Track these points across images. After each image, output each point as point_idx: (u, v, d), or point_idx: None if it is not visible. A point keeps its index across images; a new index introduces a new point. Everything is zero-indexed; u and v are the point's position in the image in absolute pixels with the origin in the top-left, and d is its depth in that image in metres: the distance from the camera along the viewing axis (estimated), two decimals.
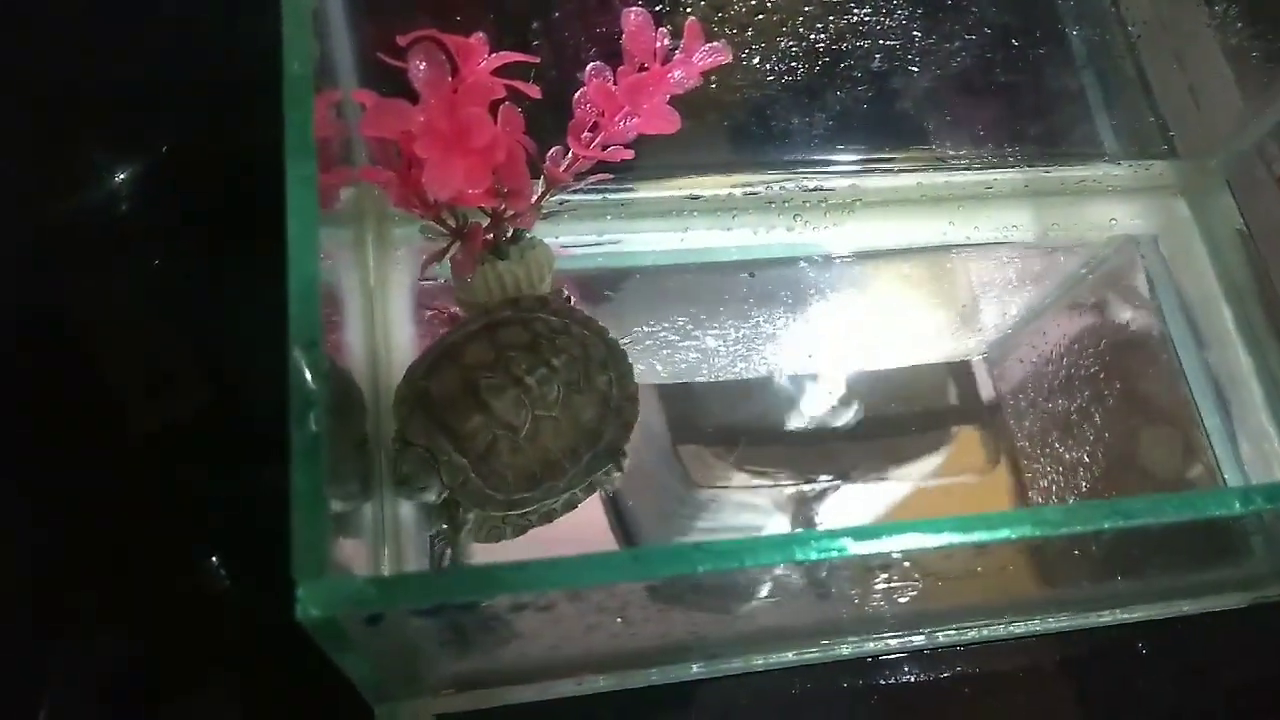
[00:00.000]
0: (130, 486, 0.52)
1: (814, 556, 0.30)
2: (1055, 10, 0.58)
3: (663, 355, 0.59)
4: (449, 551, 0.48)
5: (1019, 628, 0.54)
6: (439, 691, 0.46)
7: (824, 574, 0.39)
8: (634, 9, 0.41)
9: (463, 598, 0.25)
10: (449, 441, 0.44)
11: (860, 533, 0.30)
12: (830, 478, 0.57)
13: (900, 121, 0.60)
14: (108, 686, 0.48)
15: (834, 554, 0.29)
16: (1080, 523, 0.33)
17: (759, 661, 0.50)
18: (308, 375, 0.25)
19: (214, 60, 0.60)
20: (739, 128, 0.58)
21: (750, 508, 0.57)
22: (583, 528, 0.53)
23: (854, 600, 0.44)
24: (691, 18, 0.43)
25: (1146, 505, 0.35)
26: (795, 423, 0.59)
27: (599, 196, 0.59)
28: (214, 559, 0.50)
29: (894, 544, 0.32)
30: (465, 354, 0.46)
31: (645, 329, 0.59)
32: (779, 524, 0.56)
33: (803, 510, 0.57)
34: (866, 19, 0.50)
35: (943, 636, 0.54)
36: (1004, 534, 0.33)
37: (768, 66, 0.51)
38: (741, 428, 0.58)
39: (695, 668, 0.50)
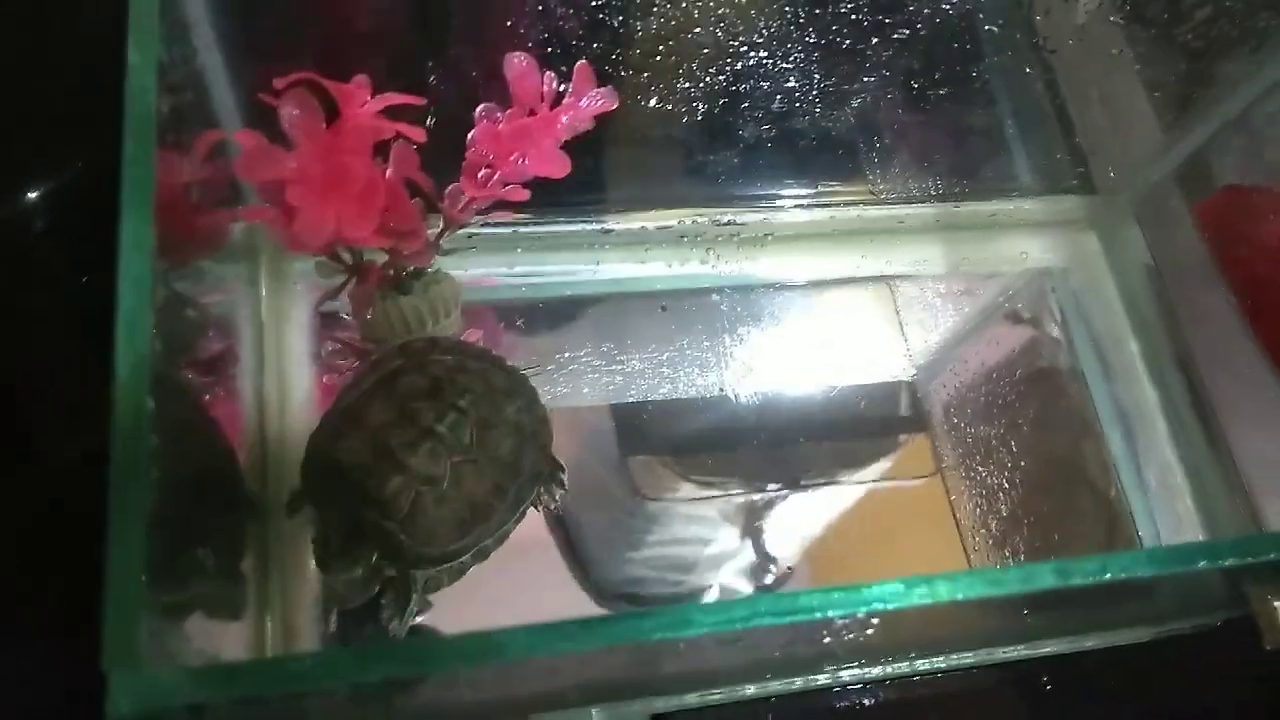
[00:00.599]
0: (47, 521, 0.49)
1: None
2: (969, 46, 0.58)
3: (589, 379, 0.59)
4: (395, 622, 0.45)
5: (922, 664, 0.55)
6: None
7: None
8: (518, 54, 0.41)
9: (306, 684, 0.24)
10: (372, 509, 0.43)
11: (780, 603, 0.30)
12: (777, 486, 0.58)
13: (810, 158, 0.60)
14: None
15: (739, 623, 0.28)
16: (988, 587, 0.33)
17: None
18: (132, 432, 0.24)
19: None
20: (649, 164, 0.58)
21: (699, 519, 0.58)
22: (528, 546, 0.53)
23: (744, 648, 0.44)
24: (581, 62, 0.42)
25: (1055, 570, 0.34)
26: (730, 437, 0.59)
27: (510, 230, 0.59)
28: None
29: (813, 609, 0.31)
30: (368, 416, 0.44)
31: (567, 354, 0.59)
32: (728, 535, 0.57)
33: (751, 520, 0.57)
34: (764, 61, 0.50)
35: (846, 675, 0.54)
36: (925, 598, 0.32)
37: (669, 107, 0.51)
38: (681, 441, 0.59)
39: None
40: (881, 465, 0.61)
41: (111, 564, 0.23)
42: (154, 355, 0.27)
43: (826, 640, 0.43)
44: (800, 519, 0.58)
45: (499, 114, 0.43)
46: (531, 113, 0.42)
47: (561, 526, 0.55)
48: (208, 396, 0.45)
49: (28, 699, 0.46)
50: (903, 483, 0.61)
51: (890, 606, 0.31)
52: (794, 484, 0.58)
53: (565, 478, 0.50)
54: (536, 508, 0.50)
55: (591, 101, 0.42)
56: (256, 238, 0.53)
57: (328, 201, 0.37)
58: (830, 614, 0.30)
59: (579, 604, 0.54)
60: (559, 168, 0.43)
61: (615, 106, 0.42)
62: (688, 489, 0.58)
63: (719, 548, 0.57)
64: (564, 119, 0.42)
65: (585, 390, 0.59)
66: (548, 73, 0.42)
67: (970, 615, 0.48)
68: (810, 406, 0.61)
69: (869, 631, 0.42)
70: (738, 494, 0.58)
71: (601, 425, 0.58)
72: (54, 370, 0.53)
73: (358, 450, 0.44)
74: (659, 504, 0.57)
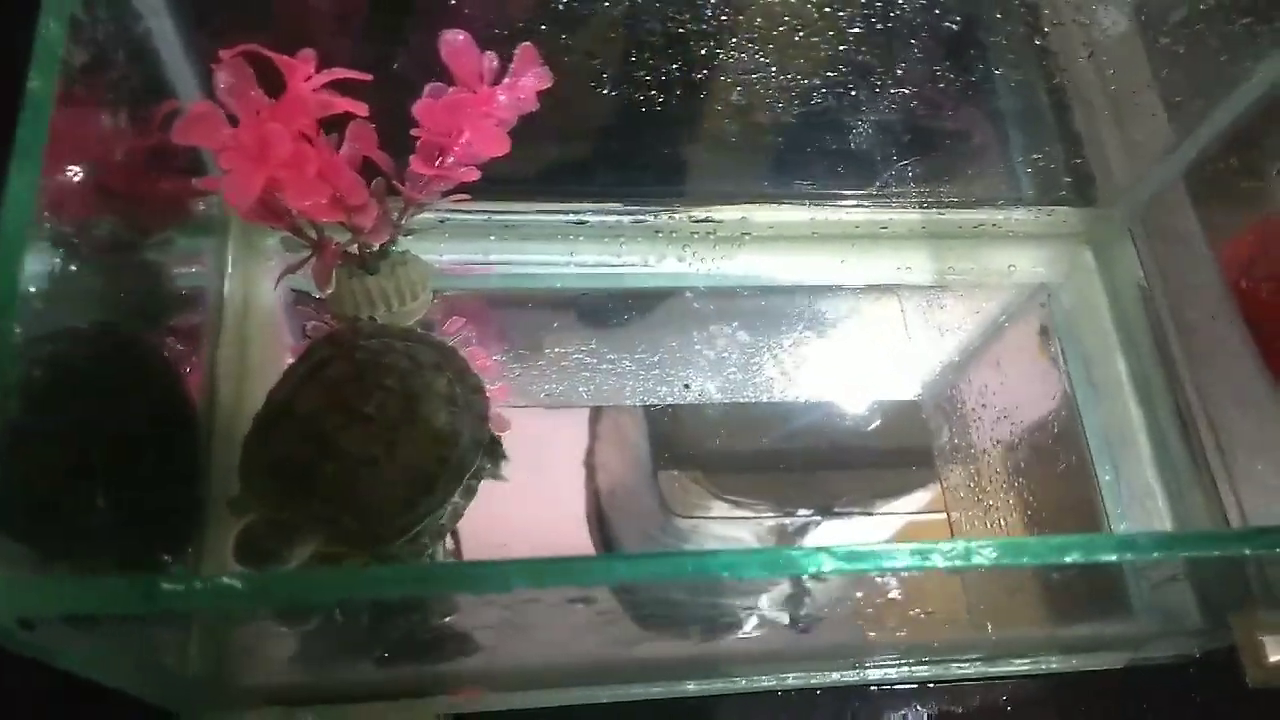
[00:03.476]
0: None
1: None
2: (964, 46, 0.57)
3: (583, 377, 0.59)
4: None
5: (873, 673, 0.53)
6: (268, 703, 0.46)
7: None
8: (455, 31, 0.41)
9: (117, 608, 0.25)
10: (310, 499, 0.43)
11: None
12: (809, 511, 0.57)
13: (789, 155, 0.59)
14: None
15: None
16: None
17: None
18: None
19: None
20: (623, 155, 0.58)
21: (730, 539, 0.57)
22: (563, 549, 0.53)
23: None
24: (525, 43, 0.43)
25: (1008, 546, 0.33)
26: (755, 451, 0.58)
27: (484, 217, 0.60)
28: None
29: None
30: (297, 405, 0.45)
31: (556, 350, 0.59)
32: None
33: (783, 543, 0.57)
34: (743, 51, 0.50)
35: (793, 679, 0.53)
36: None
37: (639, 96, 0.51)
38: (710, 457, 0.58)
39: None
40: (901, 493, 0.59)
41: None
42: (24, 279, 0.27)
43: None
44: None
45: (443, 93, 0.44)
46: (472, 92, 0.43)
47: (596, 536, 0.55)
48: (159, 362, 0.46)
49: None
50: (921, 515, 0.59)
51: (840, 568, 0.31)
52: (827, 511, 0.57)
53: (504, 449, 0.50)
54: (479, 478, 0.50)
55: (528, 80, 0.42)
56: (228, 213, 0.54)
57: (256, 168, 0.38)
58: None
59: None
60: (499, 146, 0.44)
61: (548, 84, 0.42)
62: (720, 508, 0.57)
63: None
64: (501, 97, 0.42)
65: (580, 389, 0.59)
66: (488, 52, 0.43)
67: (929, 613, 0.47)
68: (827, 423, 0.60)
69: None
70: (768, 516, 0.57)
71: (635, 436, 0.58)
72: None
73: (290, 440, 0.44)
74: (689, 522, 0.57)
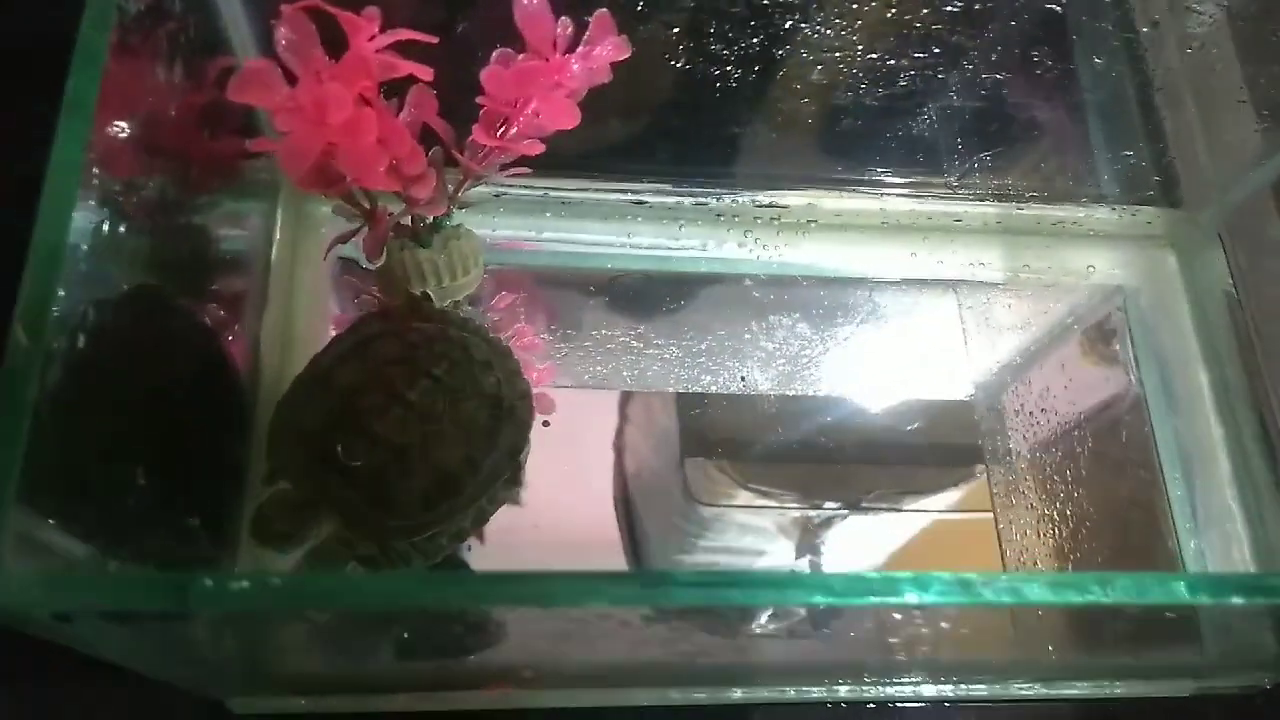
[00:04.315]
0: None
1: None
2: (1049, 32, 0.54)
3: (626, 361, 0.57)
4: None
5: (928, 690, 0.51)
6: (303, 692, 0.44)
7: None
8: None
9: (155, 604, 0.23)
10: (330, 476, 0.41)
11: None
12: (836, 505, 0.55)
13: (859, 140, 0.56)
14: None
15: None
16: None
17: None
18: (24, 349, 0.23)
19: None
20: (687, 133, 0.56)
21: (754, 530, 0.55)
22: (584, 542, 0.52)
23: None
24: (601, 10, 0.40)
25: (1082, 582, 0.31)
26: (784, 443, 0.56)
27: (540, 193, 0.57)
28: None
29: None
30: (337, 377, 0.43)
31: (603, 332, 0.57)
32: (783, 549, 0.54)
33: (807, 536, 0.55)
34: (820, 28, 0.47)
35: (844, 690, 0.50)
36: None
37: (713, 70, 0.48)
38: (736, 445, 0.56)
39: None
40: (939, 492, 0.57)
41: None
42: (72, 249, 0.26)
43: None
44: (858, 541, 0.55)
45: (512, 60, 0.42)
46: (544, 60, 0.40)
47: (621, 521, 0.53)
48: (203, 329, 0.45)
49: None
50: (959, 515, 0.57)
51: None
52: (855, 505, 0.55)
53: (524, 474, 0.47)
54: (511, 502, 0.47)
55: (603, 50, 0.40)
56: (278, 177, 0.52)
57: (314, 131, 0.36)
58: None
59: None
60: (569, 118, 0.41)
61: (626, 55, 0.40)
62: (744, 497, 0.55)
63: (772, 561, 0.54)
64: (575, 66, 0.40)
65: (624, 374, 0.57)
66: (562, 18, 0.40)
67: (989, 635, 0.45)
68: (864, 418, 0.57)
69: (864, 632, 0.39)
70: (794, 508, 0.55)
71: (664, 421, 0.56)
72: None
73: (323, 412, 0.42)
74: (713, 510, 0.55)
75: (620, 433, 0.56)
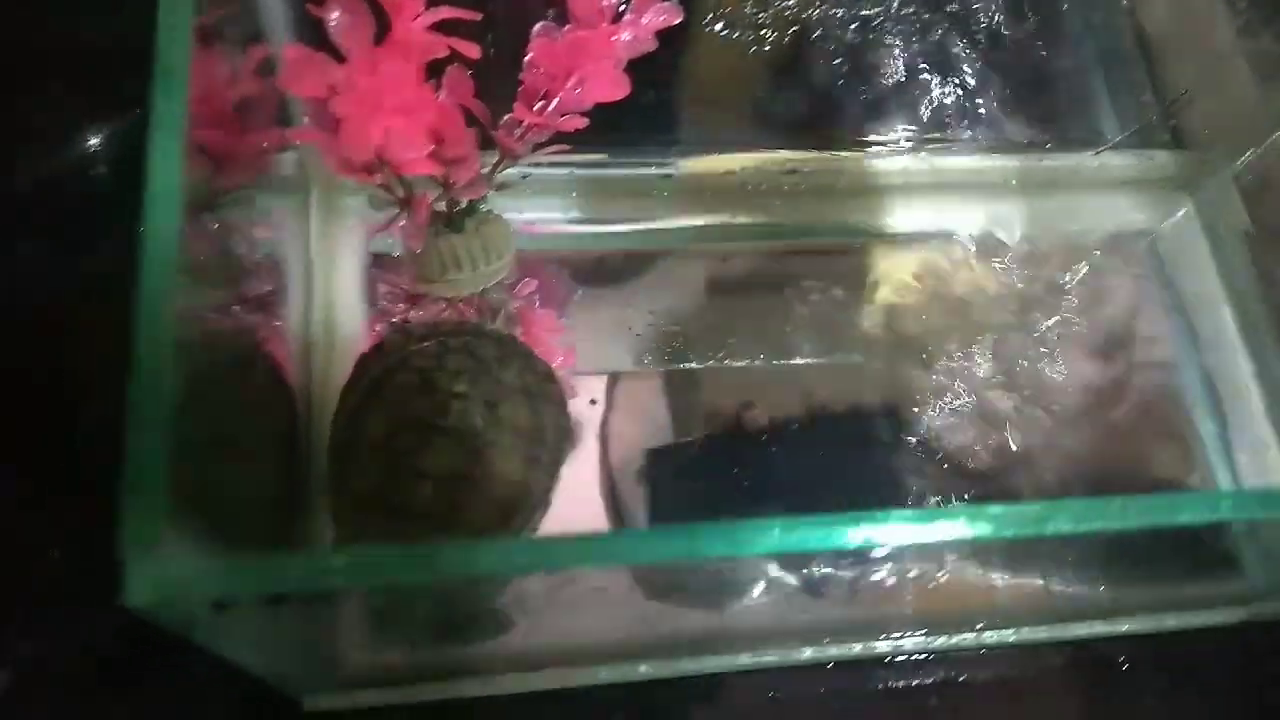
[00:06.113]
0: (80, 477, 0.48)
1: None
2: None
3: (654, 342, 0.56)
4: None
5: (990, 636, 0.52)
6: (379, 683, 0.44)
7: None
8: None
9: (341, 581, 0.22)
10: (407, 525, 0.40)
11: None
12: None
13: (893, 98, 0.56)
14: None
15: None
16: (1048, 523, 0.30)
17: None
18: (156, 337, 0.23)
19: None
20: (713, 102, 0.55)
21: None
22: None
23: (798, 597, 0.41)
24: None
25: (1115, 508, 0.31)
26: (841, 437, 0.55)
27: (565, 171, 0.57)
28: None
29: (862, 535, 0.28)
30: (367, 430, 0.42)
31: (627, 314, 0.56)
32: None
33: None
34: None
35: (909, 643, 0.51)
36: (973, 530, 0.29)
37: (736, 35, 0.48)
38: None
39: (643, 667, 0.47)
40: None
41: (133, 443, 0.22)
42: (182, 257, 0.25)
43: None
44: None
45: (557, 33, 0.41)
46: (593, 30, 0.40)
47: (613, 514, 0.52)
48: (252, 333, 0.44)
49: None
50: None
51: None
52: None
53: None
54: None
55: (653, 17, 0.39)
56: (309, 170, 0.51)
57: (375, 114, 0.36)
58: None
59: None
60: (619, 89, 0.41)
61: (678, 20, 0.39)
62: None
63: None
64: (624, 35, 0.39)
65: (647, 359, 0.56)
66: None
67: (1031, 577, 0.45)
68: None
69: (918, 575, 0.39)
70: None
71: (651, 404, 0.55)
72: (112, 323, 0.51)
73: (370, 470, 0.41)
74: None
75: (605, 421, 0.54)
